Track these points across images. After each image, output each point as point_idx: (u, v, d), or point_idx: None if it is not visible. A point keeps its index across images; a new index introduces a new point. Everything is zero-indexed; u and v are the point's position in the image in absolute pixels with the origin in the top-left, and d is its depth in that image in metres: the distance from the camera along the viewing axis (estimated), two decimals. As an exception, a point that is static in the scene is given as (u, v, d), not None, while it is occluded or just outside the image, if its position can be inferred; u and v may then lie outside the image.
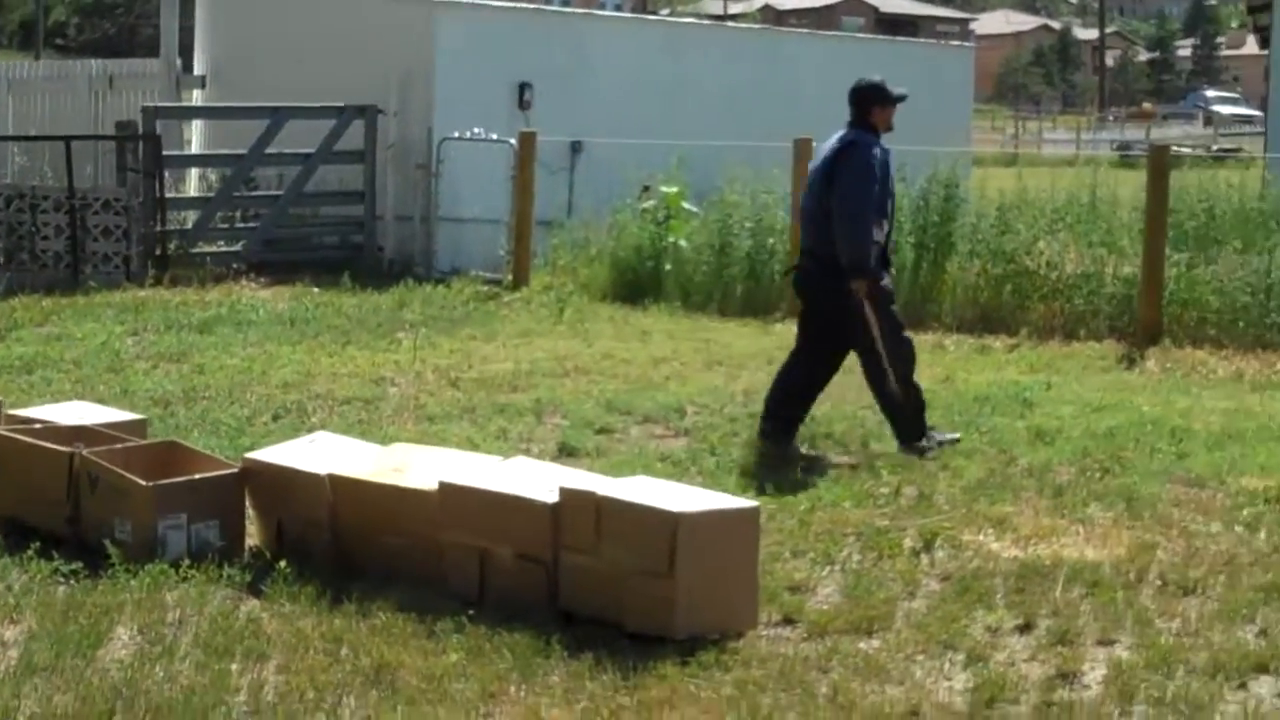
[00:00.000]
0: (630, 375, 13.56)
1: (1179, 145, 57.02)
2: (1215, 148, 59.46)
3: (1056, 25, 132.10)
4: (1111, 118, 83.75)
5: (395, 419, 11.68)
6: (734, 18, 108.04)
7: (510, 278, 19.05)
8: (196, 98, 23.17)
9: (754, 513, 7.24)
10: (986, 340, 15.33)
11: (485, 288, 18.78)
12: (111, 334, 15.24)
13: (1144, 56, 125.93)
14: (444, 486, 7.53)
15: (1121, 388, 13.14)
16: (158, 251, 19.24)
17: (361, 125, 20.49)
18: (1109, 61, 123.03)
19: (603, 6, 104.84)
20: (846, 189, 10.49)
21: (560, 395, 12.54)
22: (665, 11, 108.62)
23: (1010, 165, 40.43)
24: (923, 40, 27.61)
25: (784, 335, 15.81)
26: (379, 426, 11.33)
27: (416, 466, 7.89)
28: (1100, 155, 50.88)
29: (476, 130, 19.92)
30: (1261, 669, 6.69)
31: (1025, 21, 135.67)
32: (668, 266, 18.31)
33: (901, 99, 10.79)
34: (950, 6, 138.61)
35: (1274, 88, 28.18)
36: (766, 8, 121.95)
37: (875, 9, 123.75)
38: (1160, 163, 15.52)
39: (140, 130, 19.49)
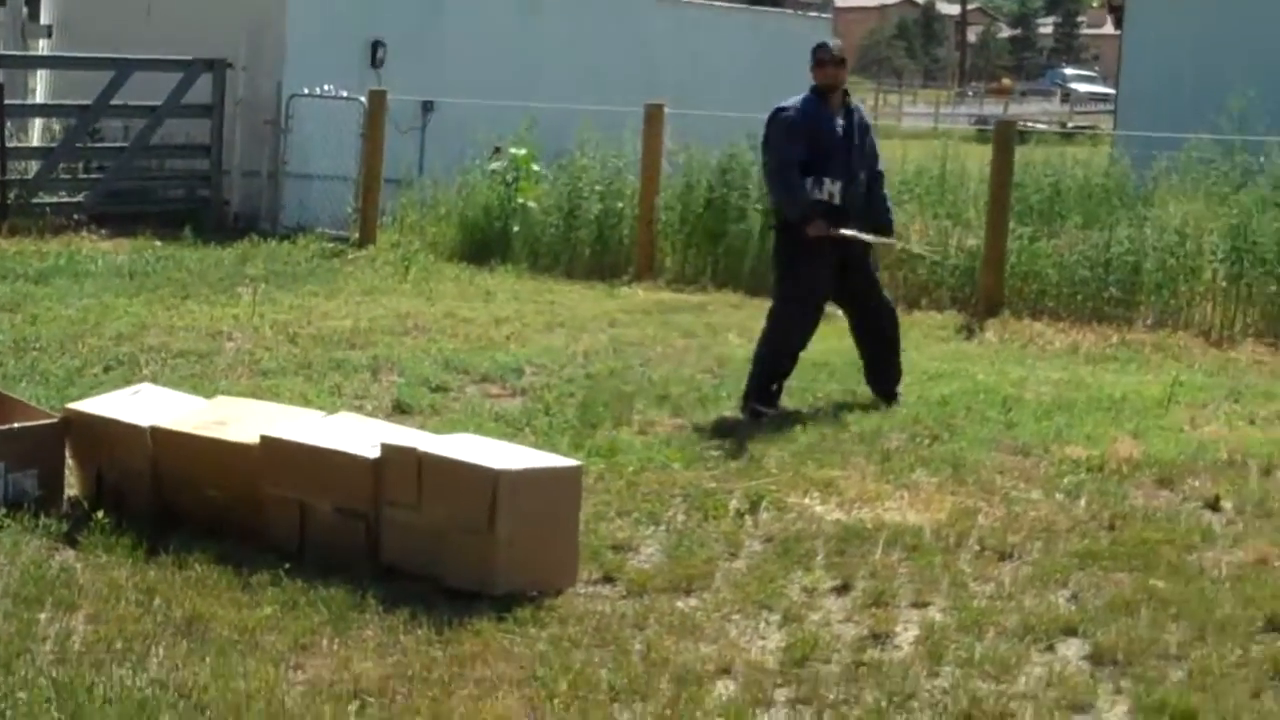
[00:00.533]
0: (471, 335, 13.50)
1: (1034, 121, 57.72)
2: (1070, 125, 60.23)
3: (920, 0, 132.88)
4: (971, 93, 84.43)
5: (229, 373, 11.56)
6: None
7: (357, 235, 18.92)
8: (43, 47, 22.77)
9: (576, 471, 7.25)
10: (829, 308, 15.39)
11: (331, 245, 18.64)
12: (-59, 282, 14.99)
13: (1006, 33, 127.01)
14: (265, 440, 7.47)
15: (959, 357, 13.26)
16: (-2, 201, 18.92)
17: (210, 79, 20.23)
18: (971, 37, 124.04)
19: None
20: (766, 152, 11.29)
21: (398, 353, 12.47)
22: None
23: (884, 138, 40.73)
24: (778, 10, 27.57)
25: (630, 299, 15.90)
26: (212, 380, 11.21)
27: (240, 420, 7.81)
28: (957, 129, 51.36)
29: (326, 87, 19.75)
30: (1070, 632, 6.78)
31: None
32: (516, 228, 18.25)
33: (821, 49, 11.15)
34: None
35: (1125, 68, 28.57)
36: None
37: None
38: (1005, 137, 15.68)
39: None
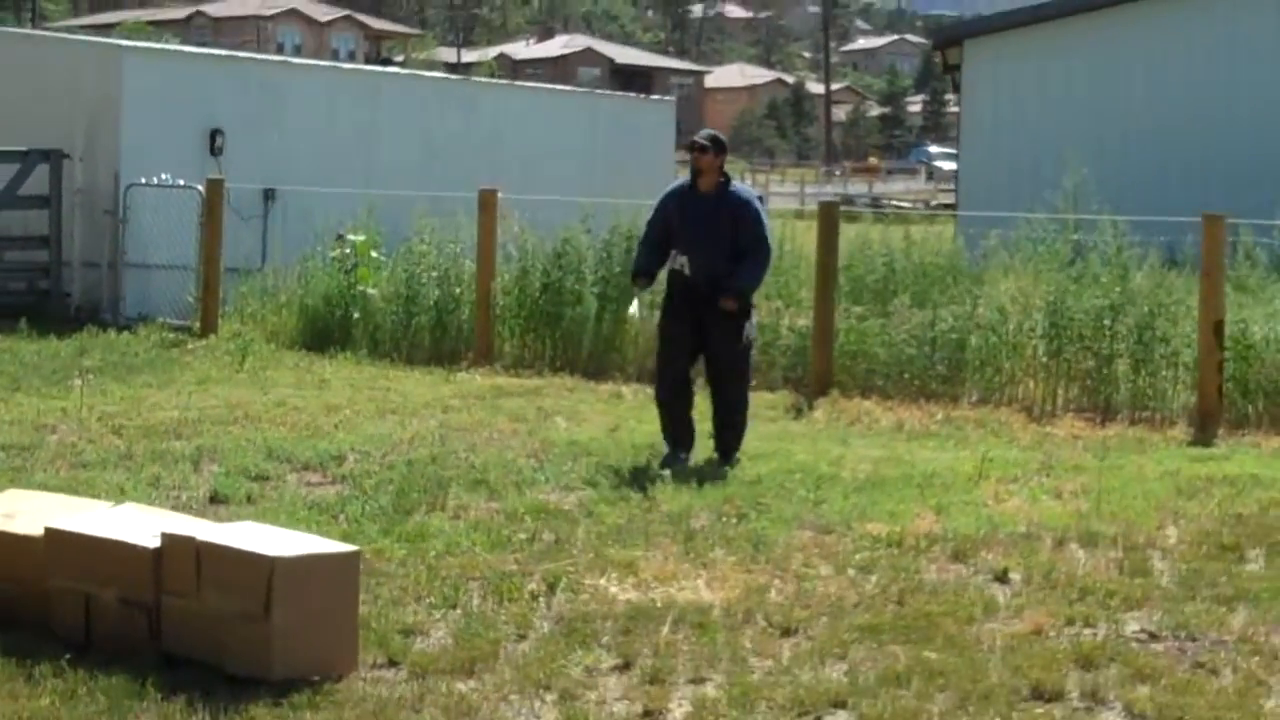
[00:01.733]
0: (300, 423, 13.55)
1: (899, 200, 58.48)
2: (935, 202, 61.06)
3: (790, 79, 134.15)
4: (838, 172, 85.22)
5: (49, 466, 11.56)
6: (469, 67, 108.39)
7: (198, 325, 18.93)
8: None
9: (353, 557, 7.34)
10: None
11: (172, 335, 18.68)
12: None
13: (876, 111, 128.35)
14: (49, 532, 7.52)
15: (782, 436, 13.44)
16: None
17: (46, 170, 20.21)
18: (842, 116, 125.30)
19: (336, 55, 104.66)
20: None
21: (223, 443, 12.50)
22: (399, 59, 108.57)
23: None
24: (620, 94, 28.14)
25: (466, 384, 16.01)
26: (30, 473, 11.20)
27: (26, 513, 7.85)
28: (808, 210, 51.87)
29: (164, 176, 19.79)
30: (839, 705, 6.93)
31: (760, 75, 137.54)
32: (356, 315, 18.33)
33: (690, 145, 12.47)
34: (685, 59, 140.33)
35: (963, 145, 29.04)
36: (502, 57, 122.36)
37: (611, 60, 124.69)
38: (829, 218, 15.94)
39: None
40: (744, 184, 13.11)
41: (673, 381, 12.40)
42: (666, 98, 29.54)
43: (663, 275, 12.72)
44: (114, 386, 15.24)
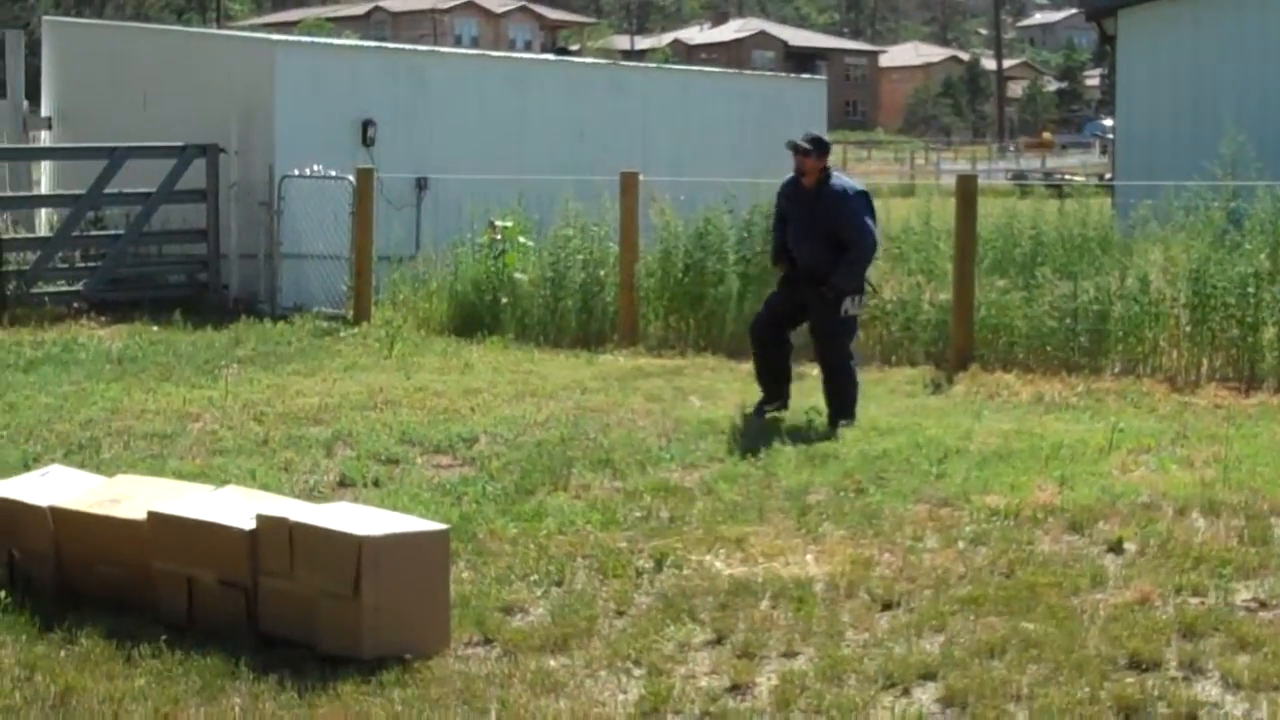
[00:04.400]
0: (437, 407, 13.66)
1: (1071, 174, 57.71)
2: (1108, 176, 60.16)
3: (965, 57, 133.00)
4: (1011, 148, 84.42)
5: (186, 453, 11.75)
6: (643, 54, 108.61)
7: (351, 313, 19.16)
8: (44, 138, 23.19)
9: (442, 535, 7.39)
10: (803, 367, 15.50)
11: (326, 323, 18.89)
12: (-67, 374, 15.28)
13: (1053, 86, 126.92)
14: (152, 516, 7.65)
15: (916, 411, 13.35)
16: (-5, 292, 19.27)
17: (203, 164, 20.55)
18: (1018, 92, 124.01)
19: (512, 46, 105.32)
20: None
21: (359, 428, 12.63)
22: (575, 48, 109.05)
23: (908, 196, 40.90)
24: (770, 74, 27.97)
25: (608, 366, 16.06)
26: (166, 460, 11.41)
27: (134, 497, 8.00)
28: (998, 184, 51.48)
29: (316, 167, 20.03)
30: (928, 677, 6.88)
31: (934, 53, 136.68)
32: (504, 300, 18.45)
33: (793, 147, 13.00)
34: (860, 39, 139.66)
35: (1119, 112, 28.58)
36: (676, 43, 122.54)
37: (785, 43, 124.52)
38: (967, 191, 15.77)
39: (-25, 172, 19.53)
40: (847, 177, 13.39)
41: (764, 325, 13.22)
42: (818, 76, 29.22)
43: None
44: (262, 375, 15.46)
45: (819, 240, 12.76)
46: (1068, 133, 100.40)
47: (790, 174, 13.21)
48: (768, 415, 12.90)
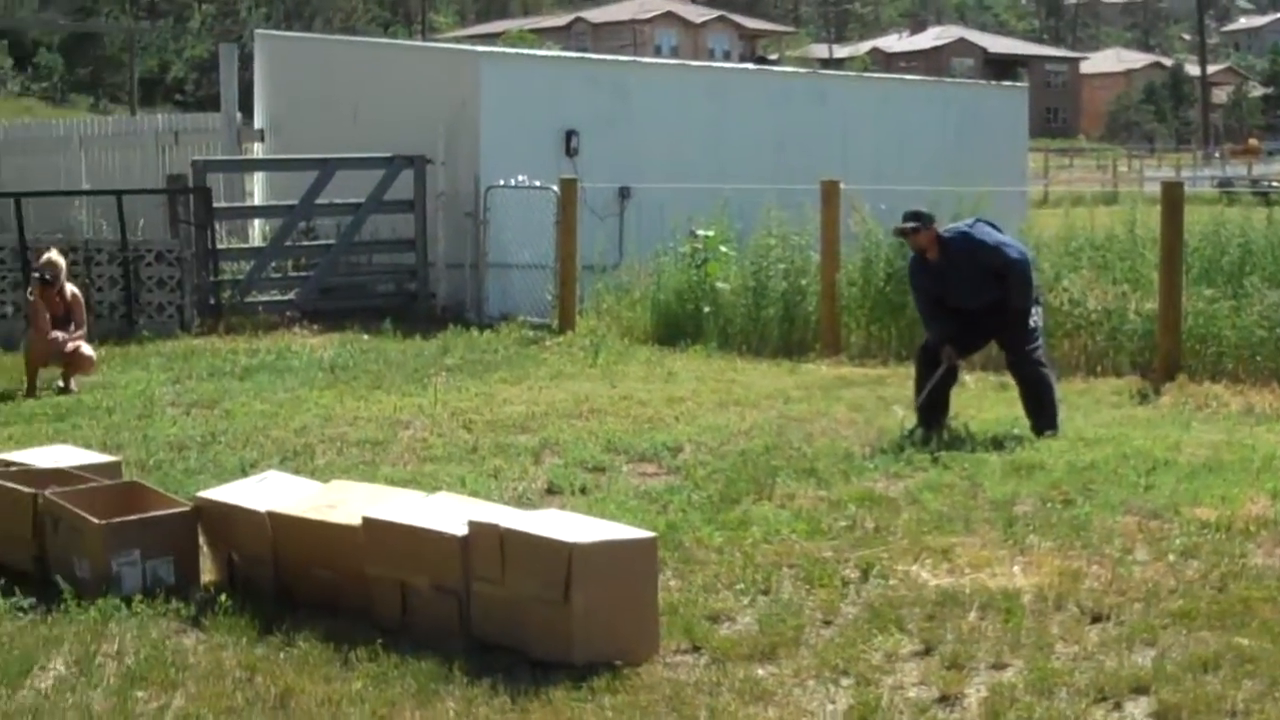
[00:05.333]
0: (642, 415, 13.77)
1: (1278, 181, 56.66)
2: (1319, 183, 59.04)
3: (1168, 62, 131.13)
4: (1216, 154, 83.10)
5: (397, 460, 11.95)
6: (841, 62, 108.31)
7: (556, 322, 19.35)
8: (257, 150, 23.67)
9: (650, 544, 7.47)
10: (1007, 378, 15.42)
11: (531, 332, 19.12)
12: (152, 381, 15.68)
13: (1259, 92, 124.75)
14: (367, 522, 7.81)
15: (1123, 422, 13.23)
16: (211, 302, 19.69)
17: (411, 175, 20.86)
18: (1223, 98, 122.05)
19: (711, 55, 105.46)
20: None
21: (565, 436, 12.77)
22: (774, 58, 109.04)
23: (1111, 204, 40.45)
24: (971, 82, 27.67)
25: (811, 375, 16.09)
26: (378, 467, 11.61)
27: (348, 503, 8.17)
28: (1203, 192, 50.70)
29: (521, 178, 20.26)
30: (1141, 691, 6.83)
31: (1137, 59, 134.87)
32: (706, 309, 18.54)
33: (899, 233, 13.06)
34: (1060, 46, 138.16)
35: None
36: (875, 51, 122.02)
37: (984, 50, 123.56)
38: (1173, 199, 15.59)
39: (190, 183, 19.95)
40: (954, 226, 13.12)
41: (936, 349, 12.82)
42: (1019, 84, 28.99)
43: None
44: (470, 383, 15.68)
45: (986, 288, 12.61)
46: (1274, 139, 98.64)
47: (910, 260, 13.23)
48: (918, 438, 12.40)
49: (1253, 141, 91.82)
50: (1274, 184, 54.87)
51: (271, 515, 8.24)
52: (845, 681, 7.04)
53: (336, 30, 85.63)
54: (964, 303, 12.70)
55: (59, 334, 15.44)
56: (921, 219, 12.75)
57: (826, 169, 19.31)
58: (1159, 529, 9.49)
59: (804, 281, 18.10)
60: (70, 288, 15.97)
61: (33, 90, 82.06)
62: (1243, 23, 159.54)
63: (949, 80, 25.94)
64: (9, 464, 9.56)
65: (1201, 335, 15.40)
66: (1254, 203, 30.23)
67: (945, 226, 12.87)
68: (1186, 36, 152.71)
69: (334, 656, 7.32)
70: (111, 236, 19.86)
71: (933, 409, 12.72)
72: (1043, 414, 12.61)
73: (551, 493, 10.84)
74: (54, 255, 16.06)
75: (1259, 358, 15.09)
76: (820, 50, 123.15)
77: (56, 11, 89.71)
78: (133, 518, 8.49)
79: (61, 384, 15.40)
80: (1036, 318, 12.81)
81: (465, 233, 21.08)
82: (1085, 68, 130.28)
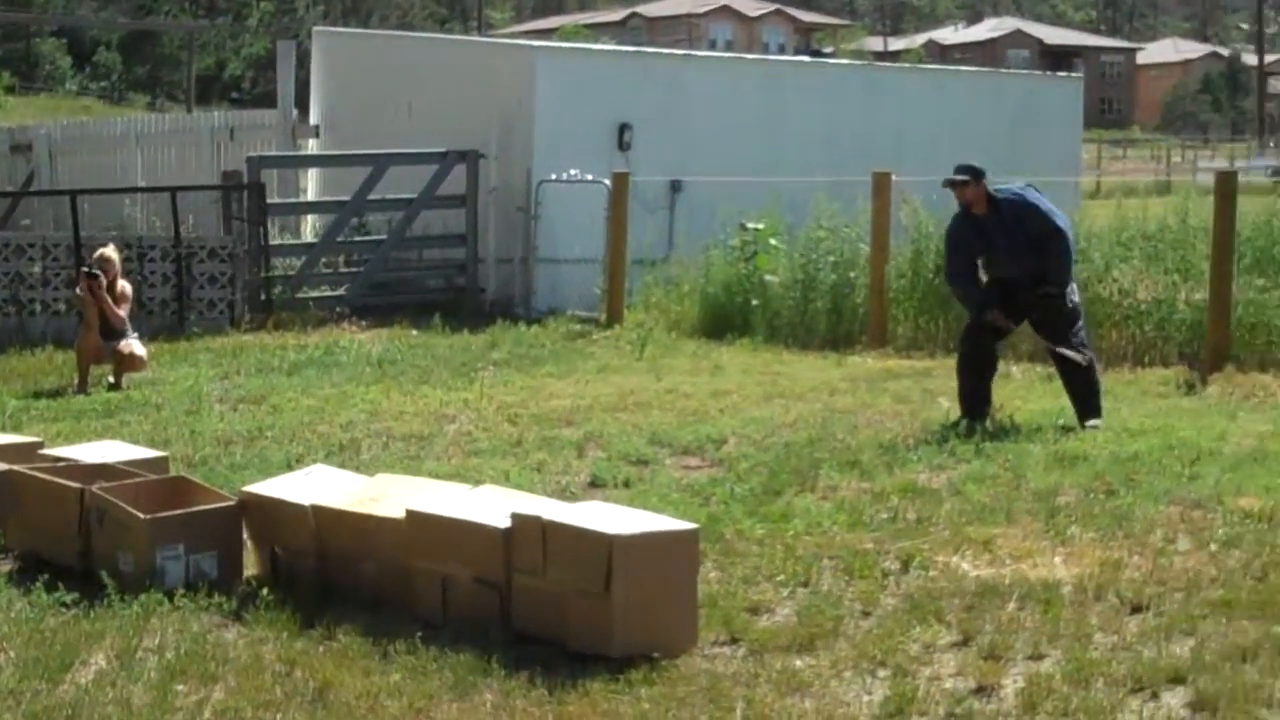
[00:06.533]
0: (687, 408, 13.80)
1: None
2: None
3: (1225, 52, 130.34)
4: (1272, 144, 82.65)
5: (442, 454, 12.00)
6: (897, 55, 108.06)
7: (604, 316, 19.38)
8: (312, 146, 23.77)
9: (692, 535, 7.49)
10: (1054, 369, 15.39)
11: (579, 326, 19.16)
12: (201, 377, 15.77)
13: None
14: (410, 514, 7.86)
15: (1170, 412, 13.19)
16: (262, 297, 19.79)
17: (463, 170, 20.91)
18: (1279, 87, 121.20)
19: (766, 49, 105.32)
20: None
21: (610, 429, 12.80)
22: (829, 50, 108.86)
23: (1164, 194, 40.34)
24: (1025, 73, 27.57)
25: (857, 367, 16.08)
26: (423, 461, 11.66)
27: (393, 496, 8.21)
28: (1257, 181, 50.44)
29: (572, 172, 20.29)
30: (1178, 680, 6.81)
31: (1194, 49, 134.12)
32: (755, 302, 18.55)
33: (949, 184, 12.79)
34: (1117, 36, 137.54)
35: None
36: (930, 43, 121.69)
37: (1040, 41, 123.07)
38: (1227, 188, 15.53)
39: (245, 179, 20.05)
40: (1006, 186, 12.97)
41: (975, 346, 12.79)
42: (1074, 74, 28.86)
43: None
44: (517, 377, 15.73)
45: (1028, 254, 12.51)
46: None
47: (953, 219, 13.04)
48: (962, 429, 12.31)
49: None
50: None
51: (315, 509, 8.29)
52: (882, 673, 7.05)
53: (393, 27, 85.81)
54: (1001, 270, 12.64)
55: (109, 343, 15.55)
56: (974, 172, 12.66)
57: (879, 161, 19.26)
58: (1202, 519, 9.47)
59: (853, 274, 18.10)
60: (122, 283, 16.08)
61: (91, 89, 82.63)
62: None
63: (1004, 71, 25.76)
64: (56, 459, 9.65)
65: (1251, 325, 15.35)
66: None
67: (995, 186, 12.76)
68: (1244, 26, 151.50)
69: (373, 650, 7.36)
70: (165, 233, 19.97)
71: (975, 399, 12.69)
72: (1087, 403, 12.59)
73: (594, 486, 10.86)
74: (108, 251, 16.19)
75: (1308, 347, 15.03)
76: (875, 43, 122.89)
77: (116, 11, 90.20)
78: (177, 512, 8.55)
79: (112, 380, 15.51)
80: (1075, 298, 12.78)
81: (516, 227, 21.15)
82: (1141, 58, 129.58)
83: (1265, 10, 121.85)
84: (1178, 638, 7.38)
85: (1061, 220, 12.58)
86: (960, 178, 12.64)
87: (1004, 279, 12.67)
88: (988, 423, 12.41)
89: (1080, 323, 12.85)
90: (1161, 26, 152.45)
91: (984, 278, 12.82)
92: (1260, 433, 12.07)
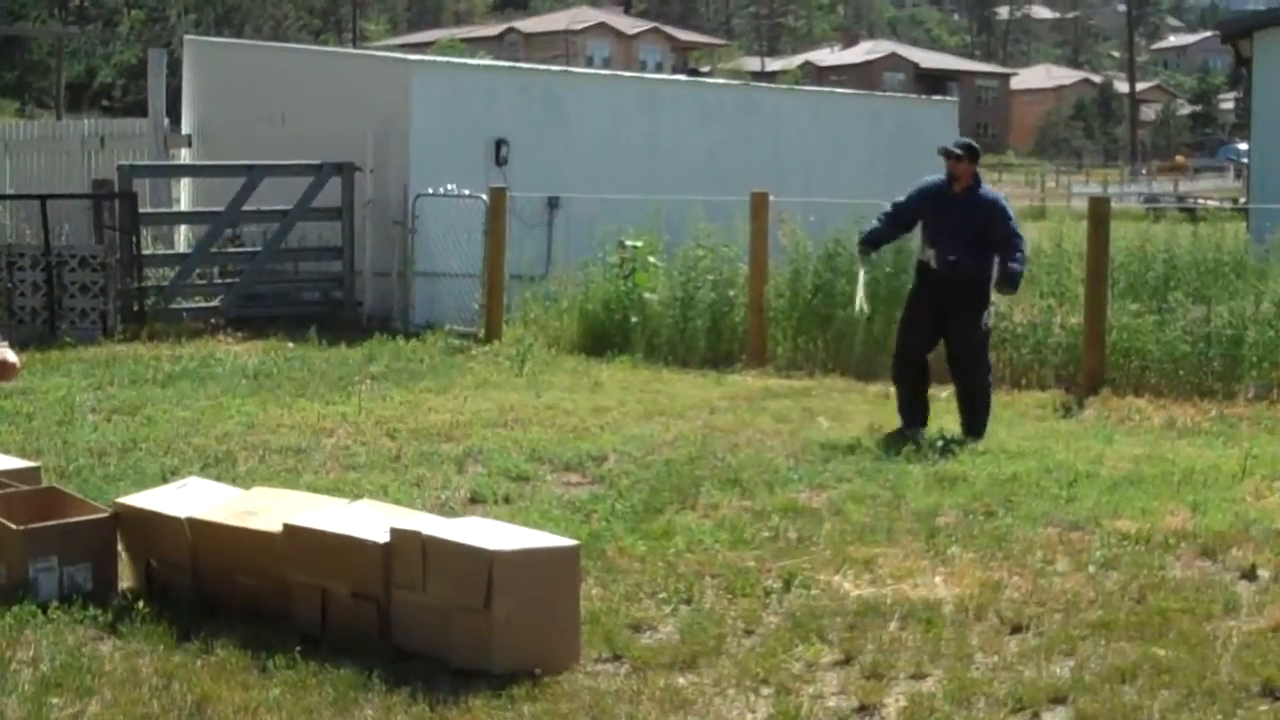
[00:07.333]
0: (567, 425, 13.75)
1: (1205, 199, 57.13)
2: (1242, 200, 59.54)
3: (1098, 79, 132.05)
4: (1144, 171, 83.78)
5: (320, 468, 11.89)
6: (774, 75, 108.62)
7: (483, 331, 19.30)
8: (184, 156, 23.54)
9: (573, 551, 7.46)
10: (932, 391, 15.45)
11: (457, 341, 19.04)
12: (73, 387, 15.53)
13: (1186, 110, 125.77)
14: (287, 528, 7.77)
15: (1046, 435, 13.30)
16: (135, 308, 19.55)
17: (339, 182, 20.77)
18: (1151, 115, 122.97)
19: (644, 67, 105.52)
20: None
21: (490, 445, 12.73)
22: (706, 70, 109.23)
23: (1039, 219, 40.67)
24: (902, 95, 27.79)
25: (737, 386, 16.09)
26: (301, 475, 11.54)
27: (270, 510, 8.12)
28: (1130, 208, 51.07)
29: (449, 186, 20.20)
30: (1058, 701, 6.86)
31: (1067, 75, 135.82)
32: (634, 319, 18.53)
33: (945, 153, 13.19)
34: (991, 61, 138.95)
35: (1255, 134, 28.30)
36: (807, 65, 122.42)
37: (915, 65, 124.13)
38: (1099, 214, 15.69)
39: (116, 188, 19.81)
40: (990, 186, 13.65)
41: (908, 360, 13.26)
42: (949, 98, 29.12)
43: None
44: (395, 391, 15.60)
45: (969, 245, 12.93)
46: (1201, 157, 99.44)
47: (931, 178, 13.46)
48: (908, 436, 12.79)
49: (1180, 158, 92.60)
50: (1200, 201, 55.32)
51: (191, 521, 8.18)
52: (765, 690, 7.04)
53: (267, 37, 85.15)
54: (947, 248, 12.94)
55: None
56: (971, 151, 13.17)
57: (758, 181, 19.30)
58: (1080, 541, 9.55)
59: (732, 293, 18.12)
60: None
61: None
62: (1172, 40, 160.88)
63: (880, 94, 25.94)
64: (-75, 469, 9.46)
65: (1125, 349, 15.50)
66: (1180, 219, 30.48)
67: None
68: (1116, 54, 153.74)
69: (252, 664, 7.26)
70: (35, 241, 19.69)
71: (913, 409, 13.17)
72: (976, 420, 13.09)
73: (475, 501, 10.80)
74: None
75: (1181, 372, 15.21)
76: (753, 63, 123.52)
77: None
78: (50, 523, 8.40)
79: (-19, 389, 15.25)
80: (987, 320, 13.33)
81: (393, 240, 21.00)
82: (1015, 83, 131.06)
83: (1136, 39, 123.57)
84: (1058, 658, 7.43)
85: (1021, 233, 13.11)
86: (958, 151, 13.09)
87: (932, 266, 13.08)
88: (924, 431, 12.91)
89: (987, 348, 13.46)
90: (1035, 52, 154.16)
91: (924, 257, 13.26)
92: (1136, 455, 12.19)
